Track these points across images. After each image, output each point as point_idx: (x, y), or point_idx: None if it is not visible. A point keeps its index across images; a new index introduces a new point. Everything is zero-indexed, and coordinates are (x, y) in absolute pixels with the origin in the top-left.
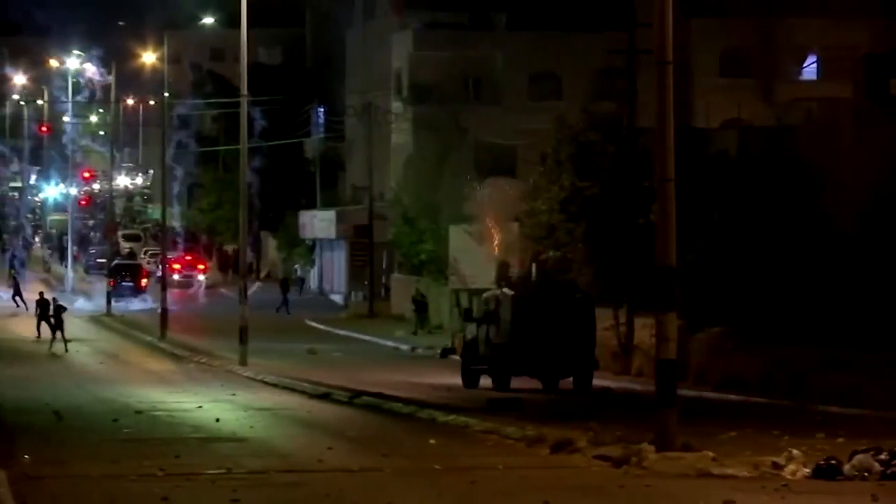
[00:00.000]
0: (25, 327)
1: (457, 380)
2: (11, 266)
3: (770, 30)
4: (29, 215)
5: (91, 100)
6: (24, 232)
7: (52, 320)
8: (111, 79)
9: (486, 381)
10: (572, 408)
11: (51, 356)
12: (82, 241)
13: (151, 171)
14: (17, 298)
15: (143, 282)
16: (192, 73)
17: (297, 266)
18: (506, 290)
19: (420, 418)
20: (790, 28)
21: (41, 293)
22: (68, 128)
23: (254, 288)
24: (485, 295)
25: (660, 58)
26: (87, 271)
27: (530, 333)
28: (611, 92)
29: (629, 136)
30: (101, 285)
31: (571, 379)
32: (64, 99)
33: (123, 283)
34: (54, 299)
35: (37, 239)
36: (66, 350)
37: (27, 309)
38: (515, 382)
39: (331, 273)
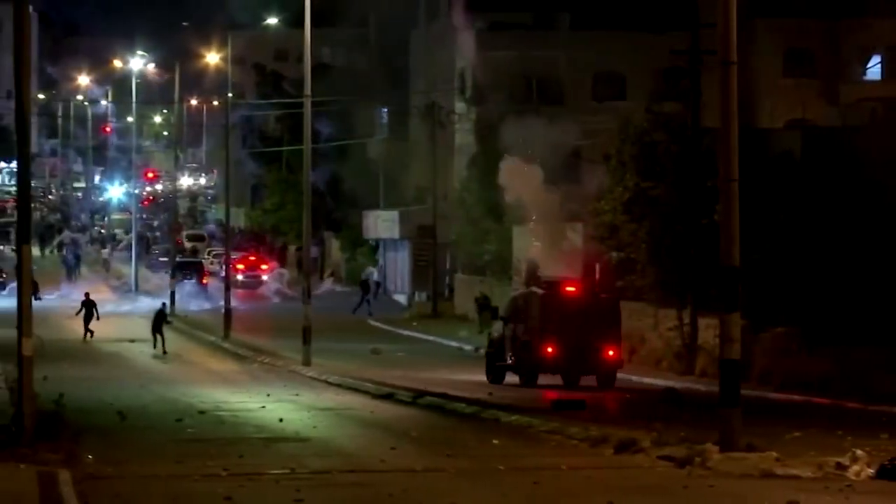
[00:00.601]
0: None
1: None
2: (75, 266)
3: (834, 30)
4: (96, 215)
5: (147, 101)
6: (88, 231)
7: (153, 324)
8: (166, 76)
9: (511, 378)
10: (636, 408)
11: (111, 354)
12: (140, 241)
13: (215, 171)
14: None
15: (205, 279)
16: (255, 74)
17: (374, 269)
18: (534, 289)
19: (484, 418)
20: (854, 28)
21: (87, 294)
22: (113, 135)
23: (323, 288)
24: (513, 294)
25: (724, 58)
26: (149, 269)
27: (556, 331)
28: (675, 92)
29: (693, 137)
30: (165, 284)
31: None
32: (105, 101)
33: (185, 280)
34: (164, 304)
35: (94, 239)
36: (165, 352)
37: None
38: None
39: (394, 273)
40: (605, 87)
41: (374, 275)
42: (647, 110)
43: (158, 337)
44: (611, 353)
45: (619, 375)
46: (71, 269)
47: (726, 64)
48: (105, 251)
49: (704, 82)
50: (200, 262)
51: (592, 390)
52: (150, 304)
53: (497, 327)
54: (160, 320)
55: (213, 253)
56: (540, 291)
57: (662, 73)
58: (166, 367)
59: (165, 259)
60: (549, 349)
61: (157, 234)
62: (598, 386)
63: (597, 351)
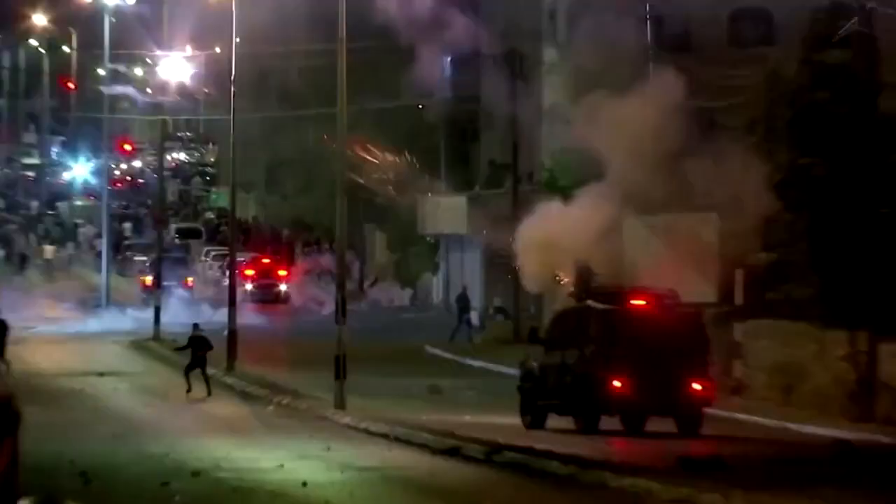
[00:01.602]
0: (42, 356)
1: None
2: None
3: None
4: (56, 202)
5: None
6: (41, 223)
7: (190, 356)
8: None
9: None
10: (796, 468)
11: (82, 392)
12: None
13: (216, 143)
14: None
15: (189, 280)
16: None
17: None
18: (591, 302)
19: (584, 483)
20: None
21: None
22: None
23: (368, 299)
24: (558, 310)
25: None
26: (121, 274)
27: (626, 359)
28: (840, 36)
29: (867, 95)
30: (137, 293)
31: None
32: (68, 48)
33: (164, 283)
34: (197, 325)
35: (47, 234)
36: (209, 394)
37: None
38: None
39: (459, 281)
40: (747, 28)
41: (498, 301)
42: (805, 61)
43: (199, 373)
44: (697, 386)
45: (771, 423)
46: None
47: None
48: (49, 249)
49: (879, 24)
50: (183, 258)
51: (672, 437)
52: (129, 322)
53: (535, 354)
54: (198, 348)
55: (213, 254)
56: (599, 306)
57: (823, 10)
58: (149, 411)
59: (144, 259)
60: (618, 383)
61: (127, 224)
62: (679, 431)
63: (679, 385)
